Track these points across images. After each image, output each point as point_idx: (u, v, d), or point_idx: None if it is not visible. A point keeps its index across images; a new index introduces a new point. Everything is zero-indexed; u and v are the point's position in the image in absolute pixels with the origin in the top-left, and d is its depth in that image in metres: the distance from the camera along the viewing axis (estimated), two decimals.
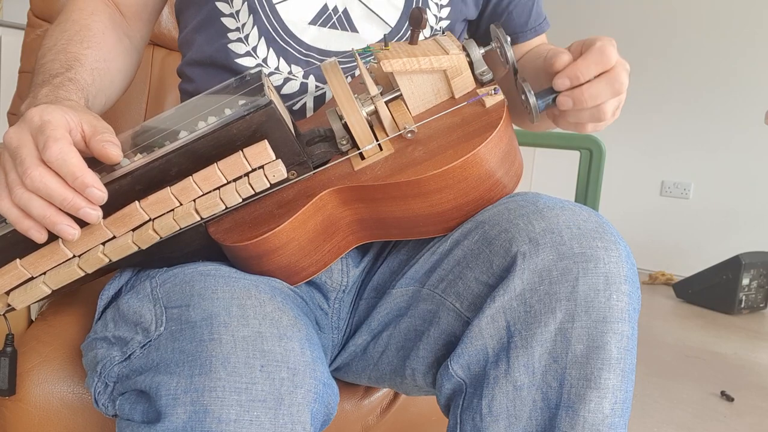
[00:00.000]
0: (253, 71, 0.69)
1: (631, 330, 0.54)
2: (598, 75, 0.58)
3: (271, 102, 0.56)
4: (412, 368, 0.64)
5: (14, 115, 1.07)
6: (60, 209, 0.52)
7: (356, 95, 0.61)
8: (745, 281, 2.73)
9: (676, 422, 1.67)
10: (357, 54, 0.64)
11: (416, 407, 0.84)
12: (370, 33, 0.74)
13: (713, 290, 2.79)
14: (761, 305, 2.82)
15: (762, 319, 2.76)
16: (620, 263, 0.54)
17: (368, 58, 0.64)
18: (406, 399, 0.83)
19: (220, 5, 0.73)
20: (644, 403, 1.76)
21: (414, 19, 0.61)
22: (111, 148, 0.54)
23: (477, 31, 0.85)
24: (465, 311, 0.59)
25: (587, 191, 1.72)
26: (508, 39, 0.61)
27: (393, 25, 0.75)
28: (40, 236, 0.54)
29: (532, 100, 0.59)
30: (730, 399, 1.83)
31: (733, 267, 2.72)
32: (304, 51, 0.73)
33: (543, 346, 0.53)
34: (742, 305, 2.74)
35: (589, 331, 0.52)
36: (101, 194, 0.52)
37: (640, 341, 0.56)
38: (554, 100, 0.60)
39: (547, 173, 3.28)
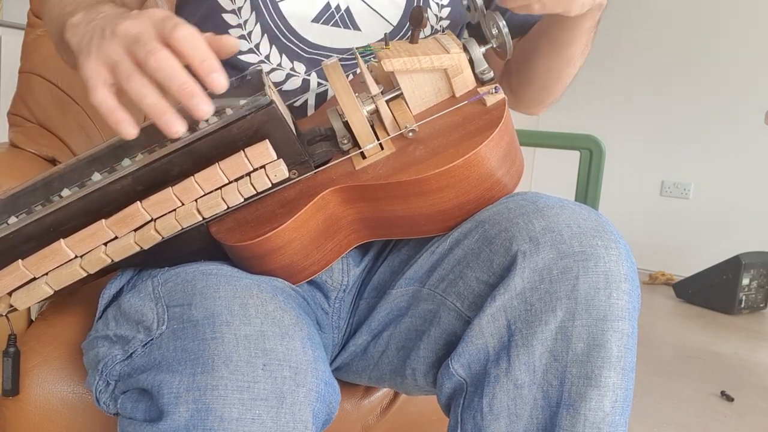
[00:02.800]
0: (253, 69, 0.69)
1: (631, 328, 0.54)
2: None
3: (272, 102, 0.56)
4: (413, 368, 0.64)
5: (14, 116, 1.06)
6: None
7: (357, 94, 0.61)
8: (745, 281, 2.72)
9: (676, 422, 1.67)
10: (358, 53, 0.64)
11: (416, 407, 0.84)
12: (372, 31, 0.75)
13: (713, 290, 2.78)
14: (761, 305, 2.82)
15: (762, 319, 2.76)
16: (620, 262, 0.54)
17: (369, 57, 0.64)
18: (406, 399, 0.83)
19: (222, 1, 0.73)
20: (644, 403, 1.76)
21: (414, 18, 0.61)
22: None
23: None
24: (466, 310, 0.59)
25: (587, 191, 1.71)
26: (507, 32, 0.61)
27: (395, 24, 0.75)
28: (133, 132, 0.50)
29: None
30: (730, 399, 1.83)
31: (733, 267, 2.71)
32: (307, 48, 0.73)
33: (543, 345, 0.53)
34: (742, 305, 2.73)
35: (589, 330, 0.52)
36: (224, 83, 0.49)
37: (641, 341, 0.56)
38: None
39: (547, 173, 3.27)
